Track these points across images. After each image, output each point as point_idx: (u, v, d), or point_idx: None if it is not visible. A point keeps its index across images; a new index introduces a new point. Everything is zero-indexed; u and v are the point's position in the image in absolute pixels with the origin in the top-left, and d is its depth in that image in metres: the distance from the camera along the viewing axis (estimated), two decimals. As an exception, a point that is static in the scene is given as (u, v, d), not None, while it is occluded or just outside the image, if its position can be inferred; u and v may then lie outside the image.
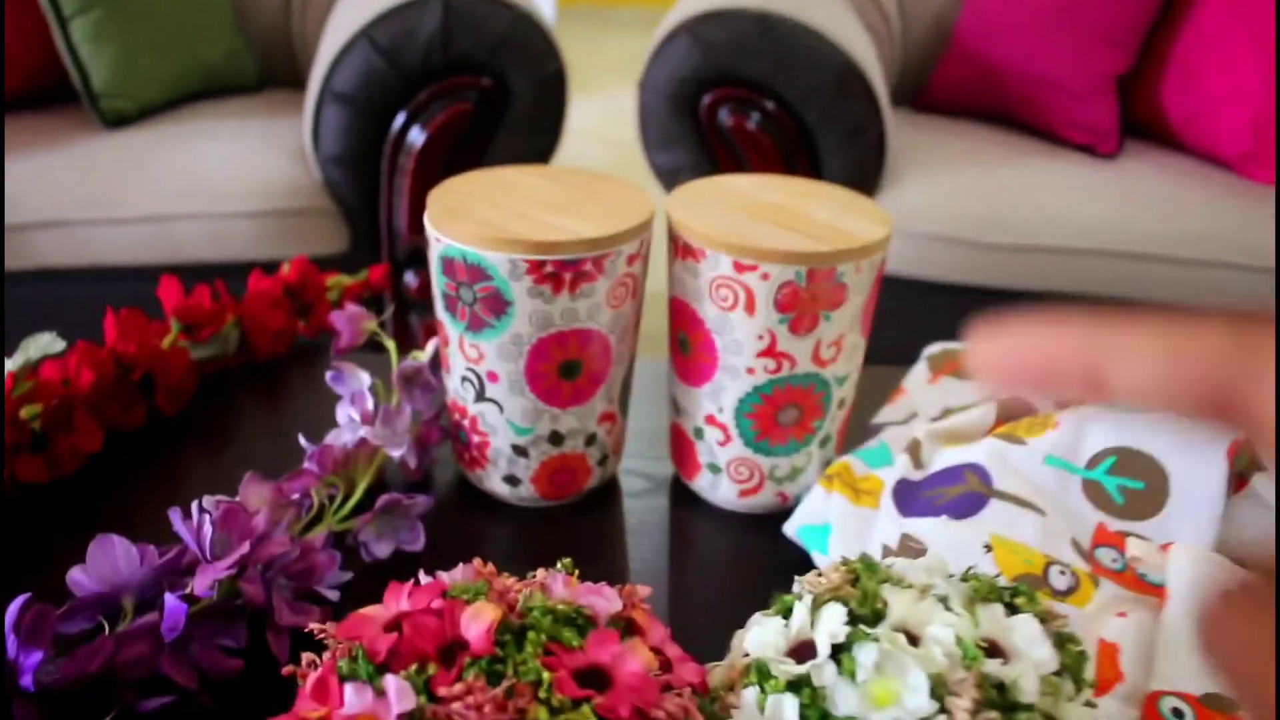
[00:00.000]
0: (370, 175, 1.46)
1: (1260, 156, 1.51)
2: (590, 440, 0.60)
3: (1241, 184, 1.53)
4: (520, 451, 0.59)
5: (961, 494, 0.52)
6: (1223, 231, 1.45)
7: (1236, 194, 1.50)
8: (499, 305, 0.54)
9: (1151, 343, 0.20)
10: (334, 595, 0.53)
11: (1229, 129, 1.52)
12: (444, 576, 0.38)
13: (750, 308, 0.54)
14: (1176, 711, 0.41)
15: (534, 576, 0.39)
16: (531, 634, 0.35)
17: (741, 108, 1.45)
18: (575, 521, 0.61)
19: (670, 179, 1.58)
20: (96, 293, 1.44)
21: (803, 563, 0.56)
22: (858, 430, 0.66)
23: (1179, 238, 1.45)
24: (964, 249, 1.46)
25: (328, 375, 0.62)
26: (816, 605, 0.37)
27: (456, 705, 0.32)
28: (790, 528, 0.57)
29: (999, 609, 0.36)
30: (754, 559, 0.59)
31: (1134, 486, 0.52)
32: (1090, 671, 0.40)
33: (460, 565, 0.39)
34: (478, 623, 0.35)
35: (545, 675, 0.33)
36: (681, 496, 0.63)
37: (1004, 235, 1.45)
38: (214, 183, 1.44)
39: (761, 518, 0.61)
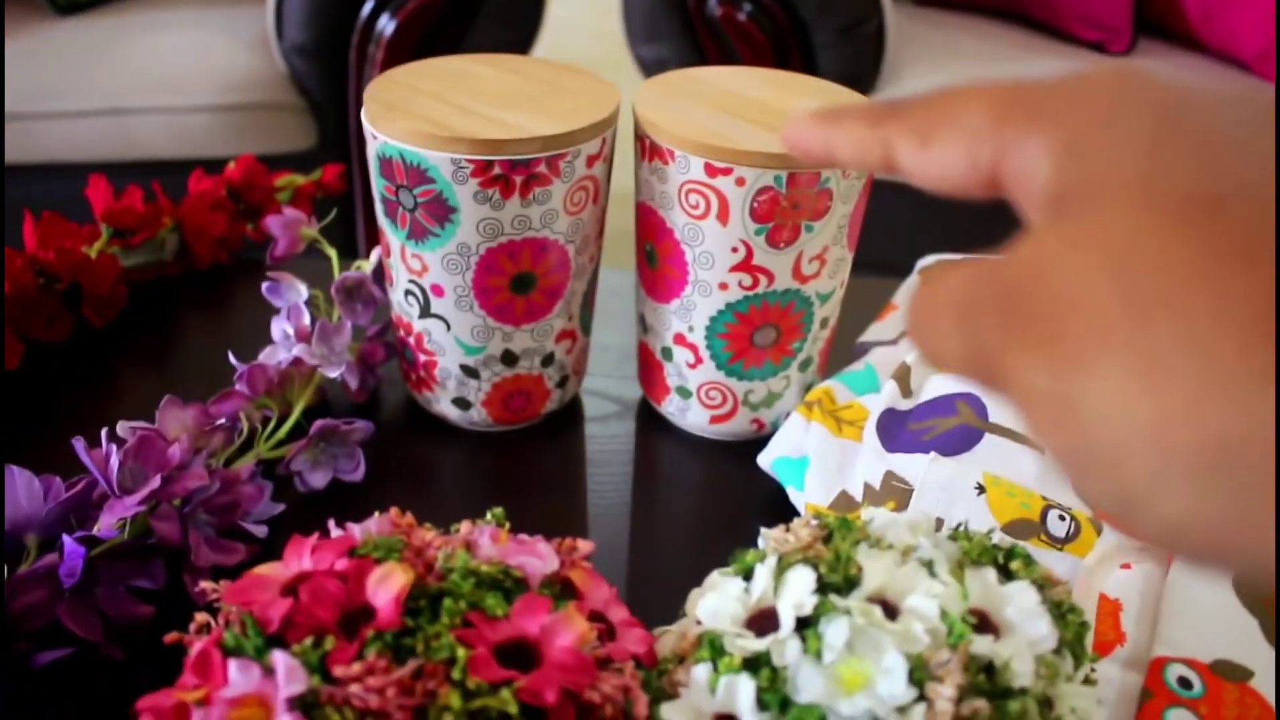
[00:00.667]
0: (338, 66, 1.38)
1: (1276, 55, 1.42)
2: (547, 360, 0.54)
3: (1260, 85, 1.45)
4: (470, 372, 0.54)
5: (953, 427, 0.47)
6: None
7: (1253, 95, 1.42)
8: (442, 211, 0.48)
9: (922, 130, 0.22)
10: (261, 531, 0.48)
11: (1248, 25, 1.44)
12: (355, 530, 0.33)
13: (724, 216, 0.48)
14: (1184, 681, 0.37)
15: (457, 530, 0.34)
16: (448, 601, 0.30)
17: (732, -3, 1.36)
18: (532, 448, 0.56)
19: (656, 73, 1.50)
20: (48, 190, 1.36)
21: (779, 496, 0.52)
22: (843, 349, 0.61)
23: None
24: (964, 152, 1.39)
25: (263, 286, 0.57)
26: (782, 568, 0.32)
27: (355, 687, 0.28)
28: (765, 459, 0.52)
29: (991, 574, 0.31)
30: (726, 491, 0.54)
31: (1143, 420, 0.47)
32: (1090, 640, 0.36)
33: (375, 516, 0.34)
34: (385, 588, 0.30)
35: (460, 653, 0.29)
36: (649, 421, 0.58)
37: (1007, 137, 1.38)
38: (173, 74, 1.35)
39: (735, 445, 0.56)
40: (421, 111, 0.48)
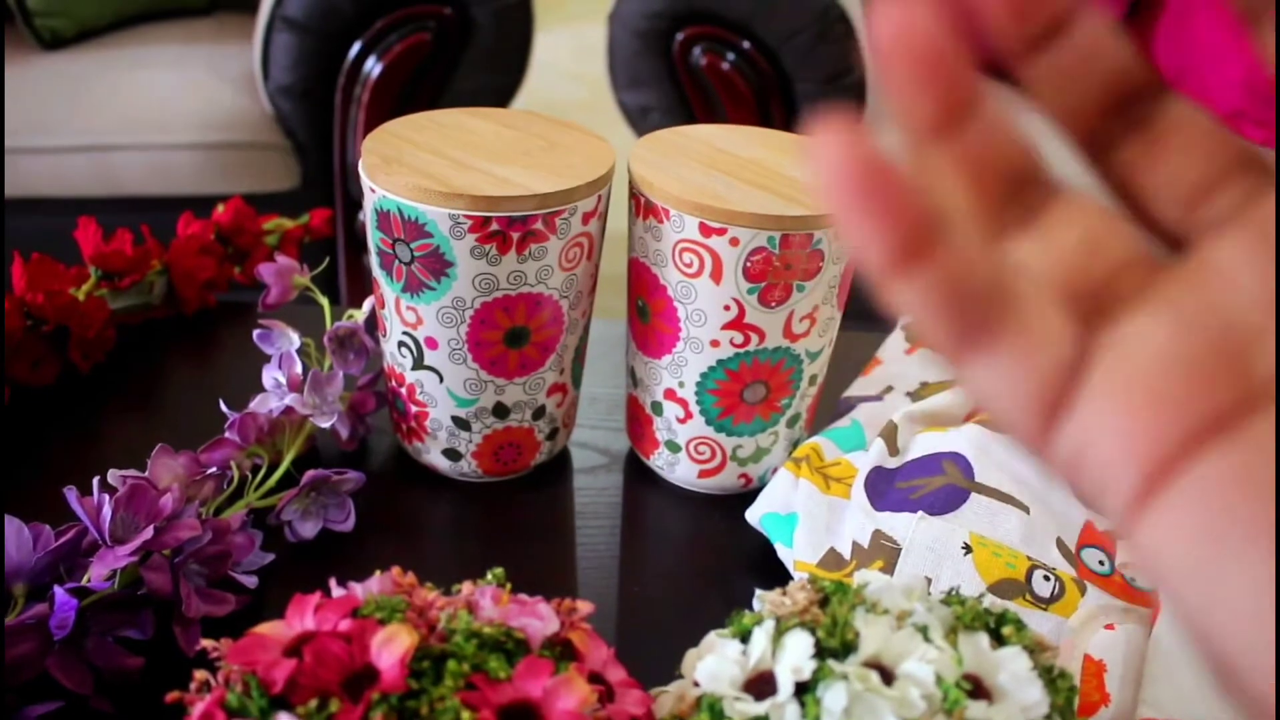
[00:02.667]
0: (323, 108, 1.38)
1: (1252, 115, 1.46)
2: (538, 413, 0.55)
3: (1228, 142, 1.49)
4: (461, 424, 0.54)
5: (940, 487, 0.48)
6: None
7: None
8: (439, 266, 0.49)
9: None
10: (251, 582, 0.48)
11: (1221, 85, 1.47)
12: (357, 589, 0.34)
13: (717, 275, 0.49)
14: (1169, 742, 0.38)
15: (459, 591, 0.34)
16: (452, 663, 0.30)
17: (716, 47, 1.38)
18: (521, 500, 0.56)
19: (639, 120, 1.51)
20: (29, 225, 1.36)
21: (766, 550, 0.52)
22: (828, 403, 0.62)
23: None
24: (941, 202, 1.41)
25: (255, 334, 0.57)
26: (780, 631, 0.32)
27: (360, 752, 0.28)
28: (753, 515, 0.53)
29: (984, 639, 0.32)
30: (713, 545, 0.55)
31: (1124, 480, 0.48)
32: (1076, 703, 0.37)
33: (376, 575, 0.34)
34: (390, 651, 0.30)
35: (465, 716, 0.29)
36: (637, 474, 0.59)
37: (983, 189, 1.40)
38: (157, 111, 1.36)
39: (722, 499, 0.57)
40: (419, 166, 0.49)
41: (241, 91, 1.40)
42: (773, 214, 0.47)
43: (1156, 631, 0.42)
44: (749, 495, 0.54)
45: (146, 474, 0.48)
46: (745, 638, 0.34)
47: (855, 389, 0.62)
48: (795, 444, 0.56)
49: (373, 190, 0.49)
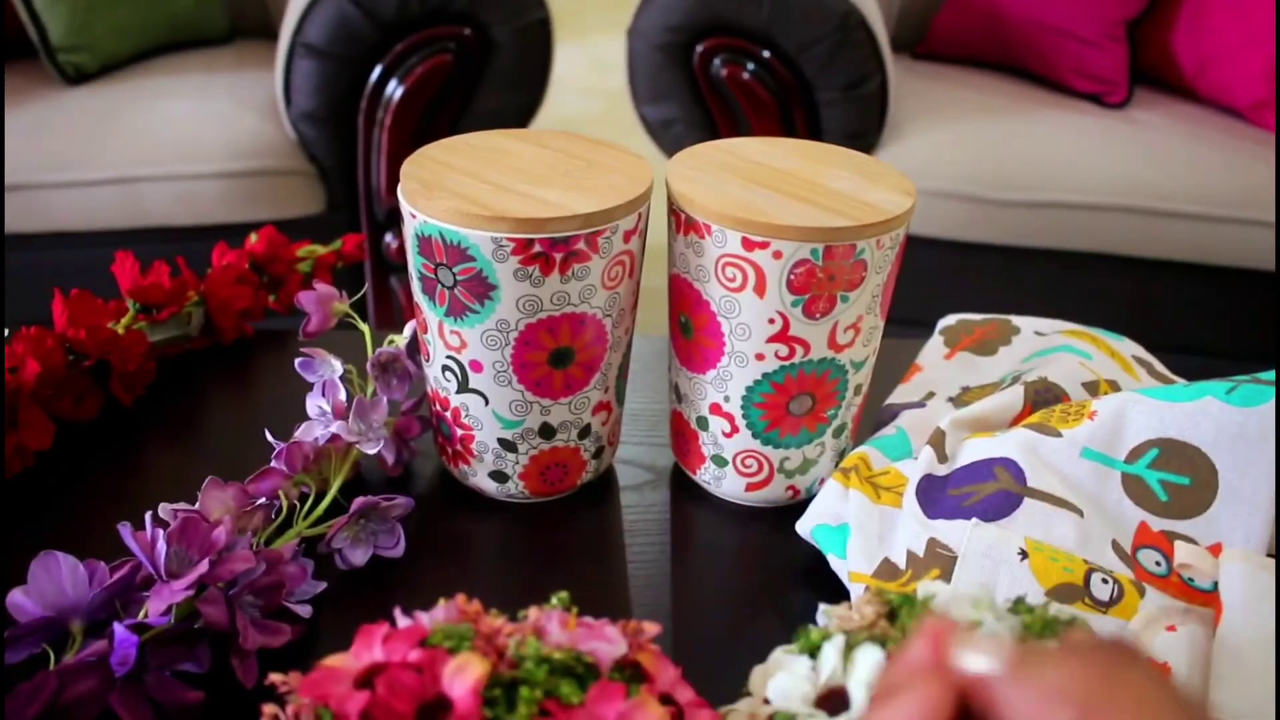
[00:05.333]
0: (346, 132, 1.39)
1: (1276, 104, 1.45)
2: (584, 432, 0.55)
3: (1256, 134, 1.47)
4: (508, 446, 0.54)
5: (993, 493, 0.48)
6: (1240, 185, 1.39)
7: (1252, 144, 1.44)
8: (482, 289, 0.49)
9: None
10: (305, 611, 0.48)
11: (1242, 76, 1.46)
12: (423, 618, 0.33)
13: (760, 289, 0.49)
14: (1245, 748, 0.37)
15: (525, 617, 0.34)
16: (525, 690, 0.30)
17: (736, 57, 1.38)
18: (569, 520, 0.56)
19: (661, 133, 1.51)
20: (58, 260, 1.37)
21: (818, 562, 0.52)
22: (869, 411, 0.62)
23: (1195, 192, 1.38)
24: (968, 205, 1.40)
25: (296, 362, 0.57)
26: (849, 646, 0.32)
27: (438, 783, 0.28)
28: (804, 527, 0.52)
29: (1055, 648, 0.32)
30: (764, 558, 0.54)
31: (1179, 482, 0.47)
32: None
33: (442, 603, 0.34)
34: (462, 679, 0.30)
35: (541, 743, 0.29)
36: (683, 489, 0.59)
37: (1010, 191, 1.39)
38: (181, 142, 1.37)
39: (770, 511, 0.57)
40: (460, 190, 0.49)
41: (264, 118, 1.41)
42: (816, 226, 0.47)
43: (1221, 632, 0.41)
44: (797, 507, 0.54)
45: (197, 506, 0.49)
46: (814, 653, 0.33)
47: (897, 396, 0.62)
48: (842, 454, 0.56)
49: (413, 215, 0.49)
